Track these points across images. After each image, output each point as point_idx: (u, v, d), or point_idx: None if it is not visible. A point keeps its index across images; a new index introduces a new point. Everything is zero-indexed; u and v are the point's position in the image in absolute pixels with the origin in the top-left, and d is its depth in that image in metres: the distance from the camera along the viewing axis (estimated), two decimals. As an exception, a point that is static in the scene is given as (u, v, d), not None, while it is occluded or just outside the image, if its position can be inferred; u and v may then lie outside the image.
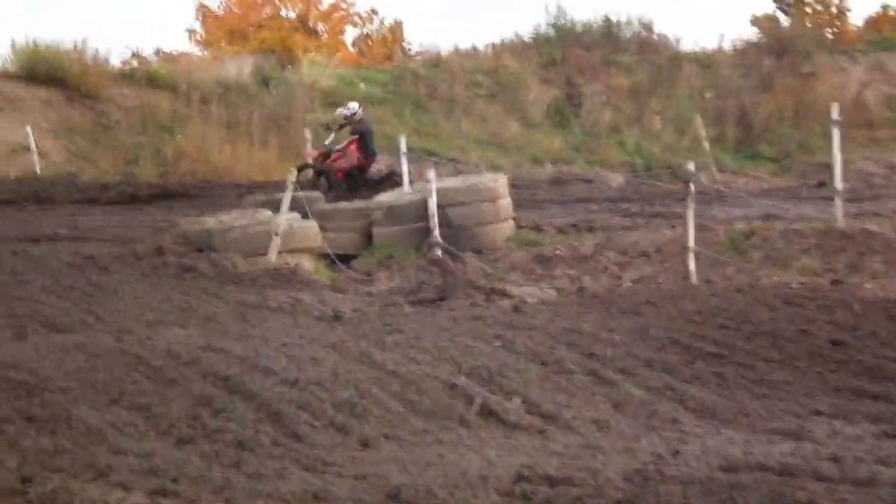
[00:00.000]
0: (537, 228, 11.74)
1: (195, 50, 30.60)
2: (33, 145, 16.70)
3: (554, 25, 27.77)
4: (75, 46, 19.91)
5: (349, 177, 13.82)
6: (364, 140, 14.16)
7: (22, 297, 7.79)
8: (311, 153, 14.73)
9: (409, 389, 5.53)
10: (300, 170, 13.42)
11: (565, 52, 26.45)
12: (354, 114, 14.49)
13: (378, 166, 14.22)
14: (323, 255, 10.57)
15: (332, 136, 14.31)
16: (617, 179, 18.79)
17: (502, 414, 5.26)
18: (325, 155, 13.95)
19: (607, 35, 27.50)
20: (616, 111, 24.79)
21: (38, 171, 16.46)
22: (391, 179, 13.90)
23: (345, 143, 14.06)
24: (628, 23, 27.87)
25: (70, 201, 14.10)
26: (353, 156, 14.01)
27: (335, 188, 13.61)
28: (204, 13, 31.92)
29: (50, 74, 19.06)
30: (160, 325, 7.11)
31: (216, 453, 4.55)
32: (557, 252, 10.29)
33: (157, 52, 27.53)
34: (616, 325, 7.00)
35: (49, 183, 15.28)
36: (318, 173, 13.84)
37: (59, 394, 5.12)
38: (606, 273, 9.68)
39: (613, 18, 27.72)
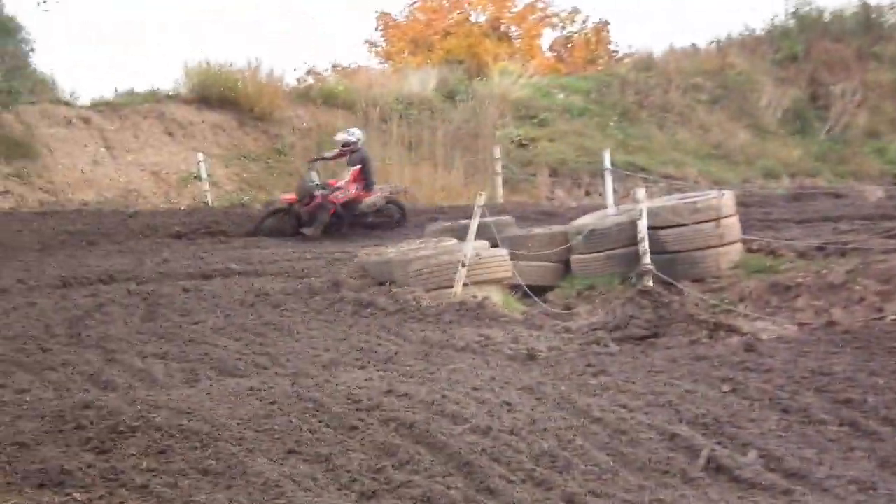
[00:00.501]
0: (772, 252, 11.25)
1: (375, 63, 31.93)
2: (204, 174, 18.06)
3: (795, 15, 26.86)
4: (249, 66, 21.33)
5: (340, 209, 14.98)
6: (365, 170, 15.24)
7: (194, 339, 8.40)
8: (286, 198, 15.41)
9: (620, 440, 5.44)
10: (272, 213, 15.13)
11: (809, 45, 25.49)
12: (357, 140, 15.34)
13: (374, 197, 15.14)
14: (514, 287, 10.65)
15: (314, 173, 15.19)
16: (875, 193, 17.72)
17: (735, 470, 5.05)
18: (309, 197, 14.82)
19: (864, 23, 26.22)
20: (874, 113, 23.49)
21: (210, 201, 17.77)
22: (388, 209, 15.26)
23: (349, 176, 15.11)
24: (892, 7, 26.41)
25: (243, 233, 15.09)
26: (352, 188, 14.94)
27: (320, 221, 14.71)
28: (385, 22, 33.25)
29: (222, 96, 20.51)
30: (338, 368, 7.42)
31: (403, 510, 4.66)
32: (799, 280, 9.80)
33: (334, 66, 28.98)
34: (878, 366, 6.60)
35: (221, 213, 16.44)
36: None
37: (234, 444, 5.42)
38: (863, 304, 9.10)
39: (872, 3, 26.30)
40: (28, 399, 6.47)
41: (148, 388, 6.80)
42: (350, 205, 15.07)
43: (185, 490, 4.86)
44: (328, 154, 15.93)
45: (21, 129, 17.76)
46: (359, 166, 15.11)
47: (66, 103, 19.50)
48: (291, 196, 15.17)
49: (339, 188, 15.01)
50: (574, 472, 5.11)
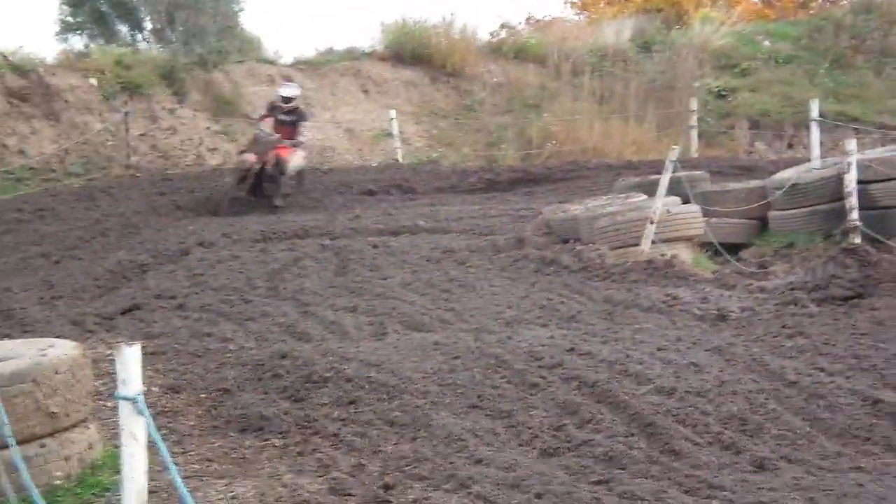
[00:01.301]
0: None
1: (571, 15, 31.50)
2: (396, 131, 18.51)
3: None
4: (443, 21, 21.59)
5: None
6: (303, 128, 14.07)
7: (382, 294, 8.72)
8: (249, 158, 13.36)
9: (817, 404, 5.26)
10: (241, 180, 13.26)
11: None
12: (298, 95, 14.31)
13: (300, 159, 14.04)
14: (706, 245, 10.37)
15: (265, 126, 13.62)
16: None
17: (946, 441, 4.78)
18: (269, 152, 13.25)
19: None
20: None
21: (400, 158, 18.22)
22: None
23: (301, 131, 13.86)
24: None
25: (431, 190, 15.40)
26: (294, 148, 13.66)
27: (283, 183, 13.48)
28: (582, -28, 32.69)
29: (416, 53, 20.89)
30: (520, 325, 7.51)
31: (583, 468, 4.71)
32: None
33: (528, 20, 28.83)
34: None
35: (410, 170, 16.83)
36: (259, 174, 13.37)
37: (418, 397, 5.64)
38: None
39: None
40: (231, 348, 6.95)
41: (339, 340, 7.14)
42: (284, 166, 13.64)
43: (374, 440, 5.11)
44: (277, 109, 13.84)
45: (230, 87, 18.78)
46: (307, 123, 14.11)
47: (271, 62, 20.41)
48: (251, 156, 13.32)
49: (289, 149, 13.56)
50: (765, 436, 5.00)
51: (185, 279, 9.62)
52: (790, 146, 19.98)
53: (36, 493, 3.61)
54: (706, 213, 10.48)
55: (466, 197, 14.87)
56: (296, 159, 13.69)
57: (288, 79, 17.68)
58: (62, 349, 4.70)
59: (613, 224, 10.02)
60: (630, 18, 25.31)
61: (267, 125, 13.59)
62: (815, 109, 13.20)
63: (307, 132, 14.28)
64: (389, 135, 18.77)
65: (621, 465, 4.71)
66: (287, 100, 13.69)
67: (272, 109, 13.73)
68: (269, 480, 4.61)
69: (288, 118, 13.59)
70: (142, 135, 16.96)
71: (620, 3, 30.25)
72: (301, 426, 5.33)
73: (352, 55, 21.10)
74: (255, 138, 13.55)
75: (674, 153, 10.33)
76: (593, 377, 5.80)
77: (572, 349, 6.42)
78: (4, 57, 16.66)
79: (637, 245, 9.72)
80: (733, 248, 10.44)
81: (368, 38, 22.43)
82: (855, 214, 9.79)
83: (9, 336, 6.94)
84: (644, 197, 10.68)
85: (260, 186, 13.48)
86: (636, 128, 19.54)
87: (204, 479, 4.64)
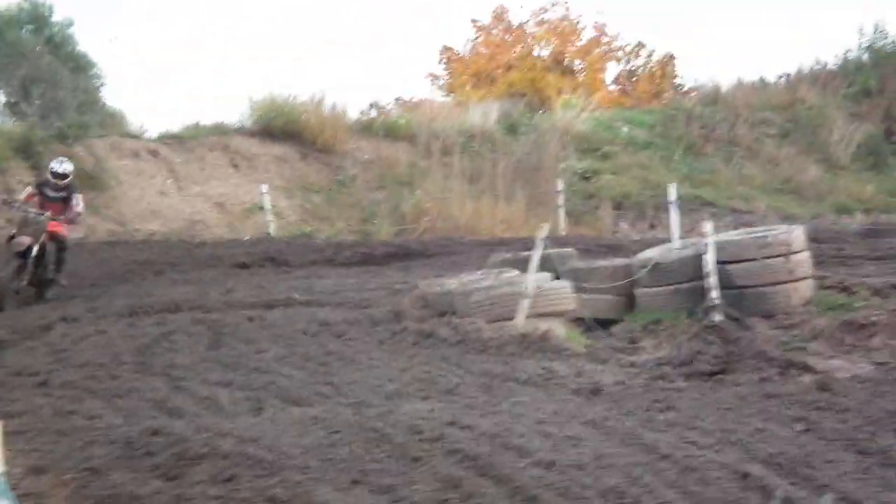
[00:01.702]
0: (846, 289, 11.02)
1: (438, 96, 32.26)
2: (268, 205, 18.38)
3: (870, 49, 26.55)
4: (312, 99, 21.72)
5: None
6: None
7: (258, 368, 8.52)
8: (25, 241, 12.10)
9: (689, 477, 5.37)
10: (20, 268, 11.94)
11: (884, 79, 25.18)
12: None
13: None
14: (578, 320, 10.59)
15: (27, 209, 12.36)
16: (955, 230, 17.31)
17: (811, 513, 4.95)
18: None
19: (942, 56, 25.83)
20: (953, 148, 23.04)
21: (272, 232, 18.06)
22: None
23: (79, 203, 12.72)
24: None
25: (306, 263, 15.29)
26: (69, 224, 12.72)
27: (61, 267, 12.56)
28: (448, 57, 33.69)
29: (286, 129, 20.96)
30: (401, 398, 7.45)
31: (466, 544, 4.66)
32: (874, 318, 9.58)
33: (397, 100, 29.38)
34: (963, 408, 6.39)
35: (284, 244, 16.69)
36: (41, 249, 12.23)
37: (299, 473, 5.48)
38: (944, 345, 8.87)
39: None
40: (98, 425, 6.63)
41: (214, 416, 6.91)
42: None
43: (253, 520, 4.93)
44: (47, 185, 12.62)
45: (91, 161, 18.29)
46: (79, 195, 12.85)
47: (135, 136, 20.06)
48: (27, 238, 12.08)
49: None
50: (643, 509, 5.06)
51: (47, 355, 9.18)
52: (652, 226, 20.81)
53: None
54: (577, 289, 10.72)
55: (342, 270, 14.82)
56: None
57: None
58: (-82, 428, 4.39)
59: (489, 298, 10.14)
60: (495, 102, 26.13)
61: (33, 204, 12.40)
62: (672, 192, 13.80)
63: (81, 204, 12.90)
64: (261, 209, 18.64)
65: (506, 540, 4.69)
66: (62, 176, 12.52)
67: (40, 186, 12.63)
68: (143, 564, 4.37)
69: (59, 195, 12.53)
70: (-9, 209, 16.26)
71: (486, 87, 31.23)
72: (175, 506, 5.11)
73: (220, 130, 21.00)
74: (23, 220, 12.24)
75: (543, 230, 10.60)
76: (475, 450, 5.78)
77: (453, 422, 6.40)
78: None
79: (512, 319, 9.85)
80: (604, 324, 10.69)
81: (237, 113, 22.35)
82: (715, 293, 10.17)
83: None
84: (517, 272, 10.86)
85: (40, 271, 12.24)
86: (506, 206, 20.00)
87: (73, 564, 4.37)
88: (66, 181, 12.54)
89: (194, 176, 19.52)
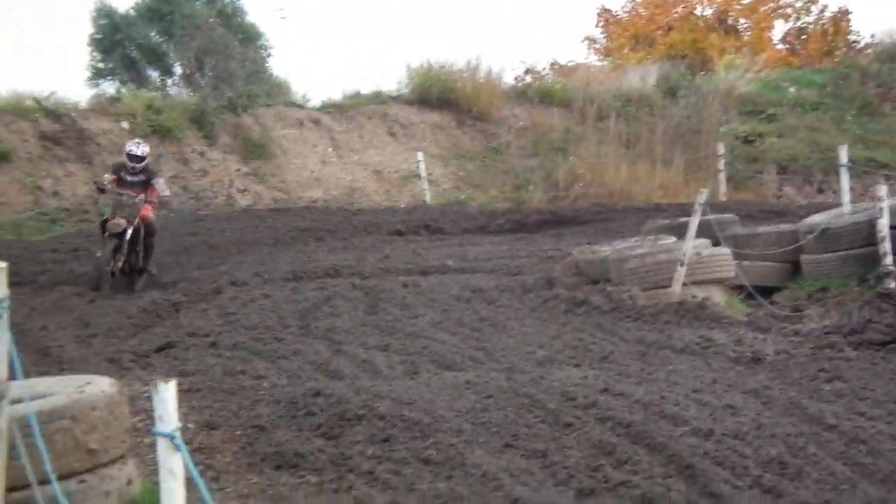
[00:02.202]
0: None
1: (594, 60, 31.75)
2: (423, 172, 18.61)
3: None
4: (468, 66, 21.76)
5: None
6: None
7: (413, 333, 8.69)
8: (120, 223, 11.38)
9: (858, 449, 5.16)
10: (115, 249, 11.20)
11: None
12: None
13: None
14: (737, 288, 10.29)
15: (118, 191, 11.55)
16: None
17: None
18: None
19: None
20: None
21: (428, 199, 18.29)
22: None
23: (164, 189, 12.05)
24: None
25: (459, 230, 15.42)
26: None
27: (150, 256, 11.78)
28: (606, 19, 33.01)
29: (442, 97, 21.09)
30: (552, 364, 7.46)
31: (620, 509, 4.62)
32: None
33: (552, 65, 29.06)
34: None
35: (438, 211, 16.87)
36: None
37: (452, 435, 5.58)
38: None
39: None
40: (264, 385, 6.93)
41: (371, 378, 7.10)
42: None
43: (408, 478, 5.05)
44: (123, 170, 11.73)
45: (258, 130, 18.99)
46: (163, 181, 12.36)
47: (299, 105, 20.65)
48: (123, 220, 11.38)
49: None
50: (806, 480, 4.90)
51: (218, 317, 9.64)
52: (820, 191, 19.91)
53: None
54: (737, 256, 10.41)
55: (494, 238, 14.86)
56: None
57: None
58: (99, 386, 4.69)
59: (643, 265, 9.96)
60: (654, 64, 25.44)
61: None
62: (843, 155, 13.13)
63: (168, 191, 12.54)
64: (417, 176, 18.88)
65: (660, 507, 4.63)
66: (139, 159, 11.70)
67: (118, 170, 11.77)
68: (306, 518, 4.56)
69: (136, 179, 11.66)
70: (173, 177, 17.14)
71: (644, 50, 30.44)
72: (336, 463, 5.29)
73: (379, 98, 21.31)
74: (118, 203, 11.45)
75: (702, 196, 10.29)
76: (628, 418, 5.72)
77: (606, 389, 6.36)
78: (38, 102, 16.95)
79: (668, 287, 9.65)
80: (766, 292, 10.35)
81: (395, 81, 22.61)
82: (889, 259, 9.72)
83: (46, 373, 6.96)
84: (673, 239, 10.63)
85: (132, 258, 11.59)
86: (663, 171, 19.53)
87: (241, 515, 4.60)
88: (142, 164, 11.73)
89: (353, 144, 19.97)
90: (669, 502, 4.66)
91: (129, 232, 11.36)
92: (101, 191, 12.02)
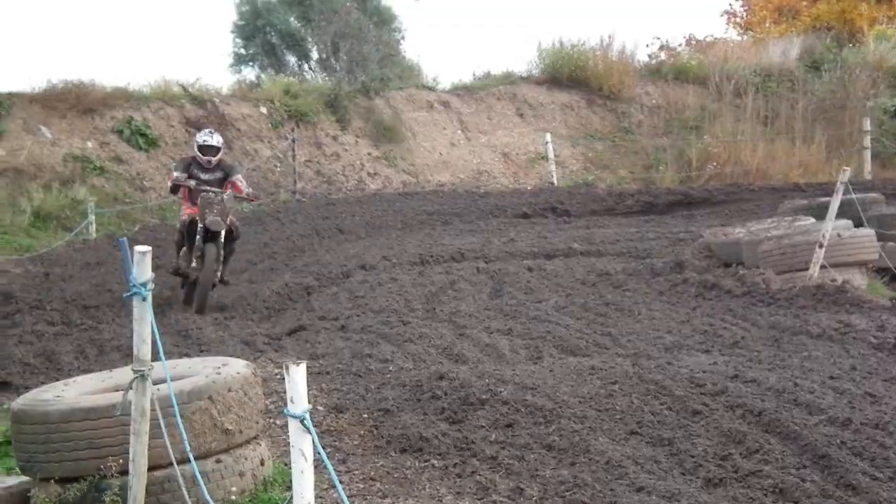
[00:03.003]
0: None
1: (733, 35, 30.75)
2: (551, 154, 18.51)
3: None
4: (600, 43, 21.49)
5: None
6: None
7: (536, 317, 8.70)
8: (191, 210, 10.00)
9: None
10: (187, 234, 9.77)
11: None
12: None
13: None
14: (881, 271, 9.87)
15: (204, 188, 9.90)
16: None
17: None
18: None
19: None
20: None
21: (555, 181, 18.20)
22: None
23: (247, 187, 10.35)
24: None
25: (586, 212, 15.30)
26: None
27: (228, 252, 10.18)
28: (747, -10, 31.89)
29: (572, 76, 20.89)
30: (680, 350, 7.34)
31: (752, 501, 4.55)
32: None
33: (689, 40, 28.32)
34: None
35: (565, 193, 16.78)
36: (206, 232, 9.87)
37: (576, 421, 5.58)
38: None
39: None
40: (391, 368, 7.08)
41: (495, 363, 7.16)
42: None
43: (532, 464, 5.08)
44: (194, 166, 10.10)
45: (390, 114, 19.29)
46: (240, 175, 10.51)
47: (429, 88, 20.84)
48: (219, 221, 9.85)
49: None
50: (955, 474, 4.69)
51: (347, 301, 9.90)
52: (976, 168, 18.84)
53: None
54: (882, 238, 9.99)
55: (622, 220, 14.70)
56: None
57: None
58: (235, 368, 4.86)
59: (779, 248, 9.68)
60: (797, 37, 24.45)
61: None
62: None
63: (249, 189, 10.48)
64: (544, 158, 18.80)
65: (793, 499, 4.52)
66: (214, 150, 10.05)
67: (188, 167, 10.09)
68: (431, 502, 4.66)
69: (212, 176, 10.05)
70: (307, 161, 17.62)
71: (787, 22, 29.25)
72: (459, 448, 5.36)
73: (508, 79, 21.28)
74: (207, 200, 9.75)
75: (845, 175, 9.88)
76: (760, 405, 5.59)
77: (736, 376, 6.22)
78: (184, 88, 17.69)
79: (805, 270, 9.34)
80: (913, 275, 9.91)
81: (525, 61, 22.51)
82: None
83: (187, 355, 7.32)
84: (812, 220, 10.28)
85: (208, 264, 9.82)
86: (803, 149, 18.84)
87: (367, 497, 4.74)
88: (217, 156, 10.05)
89: (482, 126, 20.03)
90: (804, 493, 4.54)
91: (223, 233, 9.78)
92: (177, 190, 10.07)
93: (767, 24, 29.92)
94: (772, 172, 18.16)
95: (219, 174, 10.11)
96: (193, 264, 9.81)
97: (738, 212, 14.16)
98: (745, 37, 28.95)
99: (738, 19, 32.16)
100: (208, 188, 9.91)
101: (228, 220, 9.89)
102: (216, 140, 10.24)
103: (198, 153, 10.12)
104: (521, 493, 4.71)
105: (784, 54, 22.36)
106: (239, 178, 10.22)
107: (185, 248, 9.97)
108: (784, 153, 18.73)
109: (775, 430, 5.28)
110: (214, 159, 10.07)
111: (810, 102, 20.16)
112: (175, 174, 10.10)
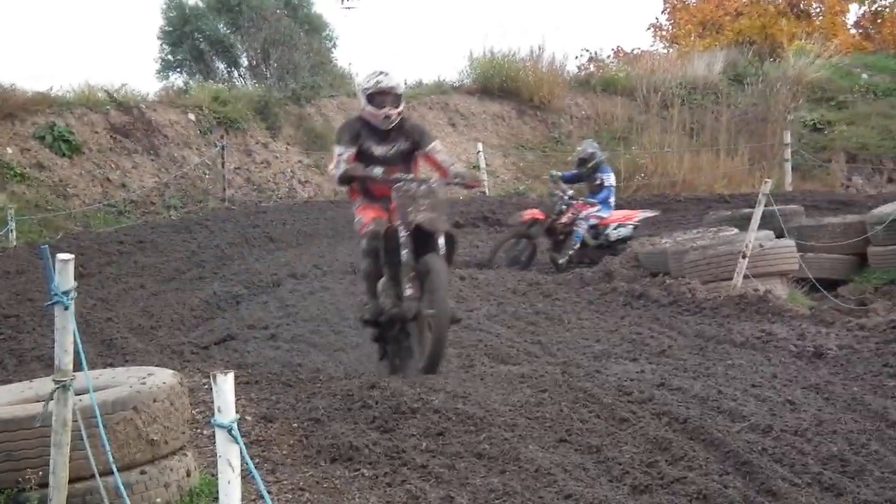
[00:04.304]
0: None
1: (659, 48, 31.39)
2: (483, 164, 18.62)
3: None
4: (531, 54, 21.70)
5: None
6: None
7: (469, 326, 8.71)
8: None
9: (923, 448, 5.05)
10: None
11: None
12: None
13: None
14: (801, 280, 10.13)
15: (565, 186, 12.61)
16: None
17: None
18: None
19: None
20: None
21: (487, 191, 18.30)
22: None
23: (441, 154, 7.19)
24: None
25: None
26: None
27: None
28: (672, 5, 32.58)
29: (504, 86, 21.05)
30: (609, 359, 7.42)
31: (675, 506, 4.61)
32: None
33: (617, 52, 28.79)
34: None
35: (497, 203, 16.87)
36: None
37: (506, 429, 5.60)
38: None
39: None
40: (322, 378, 7.03)
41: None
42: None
43: (462, 472, 5.08)
44: (372, 133, 6.86)
45: (321, 121, 19.18)
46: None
47: (361, 96, 20.76)
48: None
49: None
50: (868, 478, 4.82)
51: (277, 310, 9.81)
52: (890, 181, 19.48)
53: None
54: (801, 248, 10.26)
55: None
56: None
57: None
58: (161, 377, 4.79)
59: (704, 258, 9.88)
60: (721, 51, 25.06)
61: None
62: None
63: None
64: (476, 167, 18.89)
65: (715, 505, 4.61)
66: (394, 98, 6.84)
67: (355, 136, 6.88)
68: (360, 511, 4.63)
69: (394, 147, 6.97)
70: (237, 168, 17.44)
71: (712, 36, 29.97)
72: (390, 457, 5.34)
73: (440, 88, 21.37)
74: (403, 193, 6.71)
75: (767, 186, 10.13)
76: (685, 413, 5.68)
77: (663, 384, 6.32)
78: (109, 94, 17.36)
79: (729, 279, 9.55)
80: (831, 285, 10.18)
81: (456, 71, 22.65)
82: (960, 251, 9.47)
83: (111, 364, 7.16)
84: (735, 231, 10.52)
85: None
86: (727, 161, 19.29)
87: (296, 507, 4.69)
88: (399, 108, 6.86)
89: (413, 136, 20.04)
90: (726, 499, 4.62)
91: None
92: (350, 180, 6.84)
93: (692, 38, 30.63)
94: (697, 183, 18.55)
95: (402, 144, 6.85)
96: (409, 293, 6.65)
97: (665, 222, 14.40)
98: (671, 50, 29.59)
99: (664, 33, 32.90)
100: (403, 176, 6.77)
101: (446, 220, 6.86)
102: (395, 80, 6.78)
103: (368, 107, 6.72)
104: (452, 501, 4.71)
105: (708, 68, 22.89)
106: (437, 149, 6.99)
107: (384, 278, 6.83)
108: (709, 165, 19.14)
109: (699, 437, 5.37)
110: (395, 112, 6.72)
111: (734, 115, 20.65)
112: (338, 150, 6.79)
